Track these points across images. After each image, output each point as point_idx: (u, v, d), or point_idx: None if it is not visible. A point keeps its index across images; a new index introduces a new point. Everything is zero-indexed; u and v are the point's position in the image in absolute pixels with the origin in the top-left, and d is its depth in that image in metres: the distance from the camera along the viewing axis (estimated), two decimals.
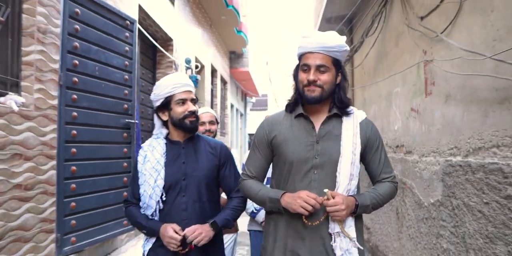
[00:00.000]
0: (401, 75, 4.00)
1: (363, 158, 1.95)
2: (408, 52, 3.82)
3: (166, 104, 2.13)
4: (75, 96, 3.02)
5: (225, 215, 2.15)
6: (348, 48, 1.87)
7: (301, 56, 1.91)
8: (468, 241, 2.64)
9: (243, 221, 3.23)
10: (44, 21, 2.67)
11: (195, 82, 6.38)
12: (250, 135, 24.51)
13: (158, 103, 2.15)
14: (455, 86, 2.85)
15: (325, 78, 1.82)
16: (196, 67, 6.83)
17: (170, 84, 2.11)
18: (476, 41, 2.56)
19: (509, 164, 2.17)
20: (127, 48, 3.75)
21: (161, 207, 2.08)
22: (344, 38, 1.88)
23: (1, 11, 2.35)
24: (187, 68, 6.36)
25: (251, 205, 3.02)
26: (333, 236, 1.81)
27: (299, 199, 1.73)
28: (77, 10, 3.05)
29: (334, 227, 1.80)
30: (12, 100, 2.30)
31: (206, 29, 9.01)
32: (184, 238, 2.00)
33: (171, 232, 1.98)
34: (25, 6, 2.53)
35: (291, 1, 29.42)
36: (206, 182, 2.16)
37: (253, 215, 3.08)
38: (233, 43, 12.08)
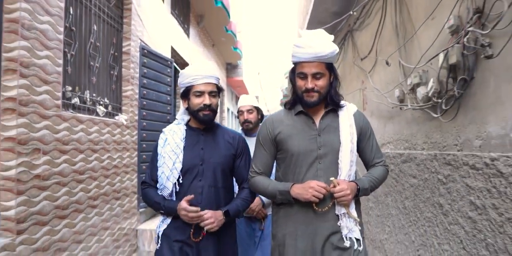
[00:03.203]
0: (352, 94, 5.89)
1: (358, 147, 2.07)
2: (355, 79, 5.68)
3: (186, 93, 2.16)
4: (144, 113, 4.91)
5: (236, 206, 2.18)
6: (337, 48, 1.95)
7: (295, 64, 1.97)
8: (379, 198, 4.54)
9: None
10: (132, 71, 4.55)
11: None
12: None
13: (181, 91, 2.19)
14: (375, 107, 4.74)
15: (321, 83, 1.92)
16: None
17: (191, 74, 2.12)
18: (382, 82, 4.46)
19: (392, 152, 4.07)
20: (168, 79, 5.68)
21: (178, 190, 2.11)
22: (332, 37, 1.97)
23: (115, 69, 4.24)
24: None
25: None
26: (340, 217, 1.93)
27: (311, 189, 1.83)
28: (145, 60, 4.95)
29: (340, 209, 1.93)
30: (122, 118, 4.19)
31: (209, 49, 10.90)
32: (197, 226, 2.06)
33: (184, 204, 2.03)
34: (124, 63, 4.42)
35: (280, 19, 31.95)
36: (221, 169, 2.19)
37: None
38: (229, 57, 13.88)
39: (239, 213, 2.20)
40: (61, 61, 2.95)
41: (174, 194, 2.12)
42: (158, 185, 2.17)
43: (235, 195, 2.33)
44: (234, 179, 2.36)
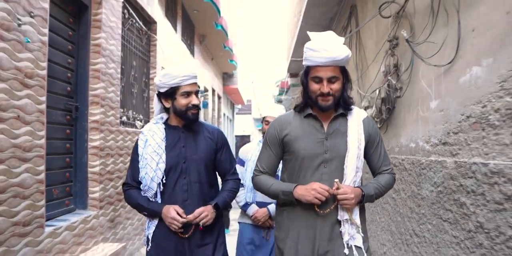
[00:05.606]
0: None
1: (365, 153, 2.04)
2: None
3: (171, 93, 2.13)
4: None
5: (223, 197, 2.24)
6: (350, 52, 1.91)
7: (309, 67, 1.92)
8: None
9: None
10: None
11: (206, 105, 9.58)
12: (236, 136, 27.56)
13: (162, 90, 2.15)
14: None
15: (335, 87, 1.89)
16: (207, 95, 10.08)
17: (179, 75, 2.09)
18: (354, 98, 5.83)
19: None
20: None
21: (161, 189, 2.12)
22: (342, 40, 1.94)
23: (145, 92, 5.58)
24: (201, 96, 9.62)
25: (243, 198, 3.18)
26: (342, 223, 1.93)
27: (313, 191, 1.83)
28: None
29: (343, 215, 1.91)
30: None
31: (208, 62, 12.27)
32: (186, 222, 2.05)
33: (173, 213, 2.03)
34: (151, 87, 5.75)
35: (271, 34, 34.14)
36: (204, 165, 2.22)
37: (244, 208, 3.15)
38: (226, 67, 15.25)
39: (227, 204, 2.29)
40: (119, 92, 4.29)
41: (159, 194, 2.14)
42: (142, 186, 2.16)
43: (219, 189, 2.39)
44: (217, 173, 2.40)
